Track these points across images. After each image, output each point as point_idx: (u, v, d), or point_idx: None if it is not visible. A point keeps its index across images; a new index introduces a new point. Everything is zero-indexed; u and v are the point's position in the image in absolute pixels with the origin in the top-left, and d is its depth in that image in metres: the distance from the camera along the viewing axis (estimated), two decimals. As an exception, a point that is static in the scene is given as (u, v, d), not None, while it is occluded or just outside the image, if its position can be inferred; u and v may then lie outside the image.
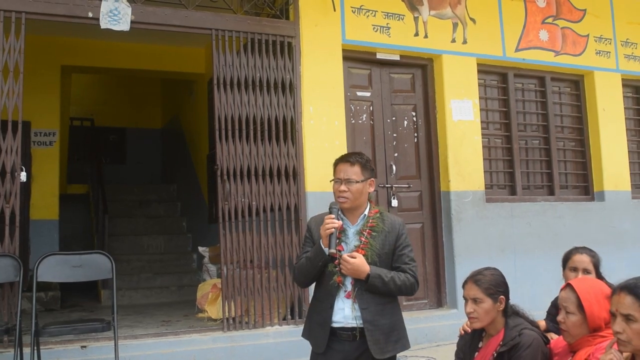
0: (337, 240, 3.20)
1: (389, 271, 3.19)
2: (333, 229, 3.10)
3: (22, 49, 5.34)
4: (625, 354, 2.42)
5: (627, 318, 2.35)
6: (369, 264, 3.15)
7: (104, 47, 8.98)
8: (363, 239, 3.20)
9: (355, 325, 3.16)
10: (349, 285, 3.19)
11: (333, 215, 3.16)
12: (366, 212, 3.29)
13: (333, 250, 3.10)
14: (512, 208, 7.36)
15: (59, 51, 9.17)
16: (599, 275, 3.66)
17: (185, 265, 10.05)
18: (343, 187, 3.22)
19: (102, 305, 8.61)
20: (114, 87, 13.64)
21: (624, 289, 2.40)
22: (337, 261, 3.18)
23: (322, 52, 6.51)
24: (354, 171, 3.24)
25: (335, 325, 3.19)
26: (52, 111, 9.36)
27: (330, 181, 3.33)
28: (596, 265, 3.76)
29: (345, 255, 3.13)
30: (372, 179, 3.32)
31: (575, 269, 3.78)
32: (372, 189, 3.32)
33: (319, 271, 3.26)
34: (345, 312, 3.18)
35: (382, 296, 3.19)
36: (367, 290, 3.14)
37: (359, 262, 3.10)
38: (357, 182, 3.22)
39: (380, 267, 3.16)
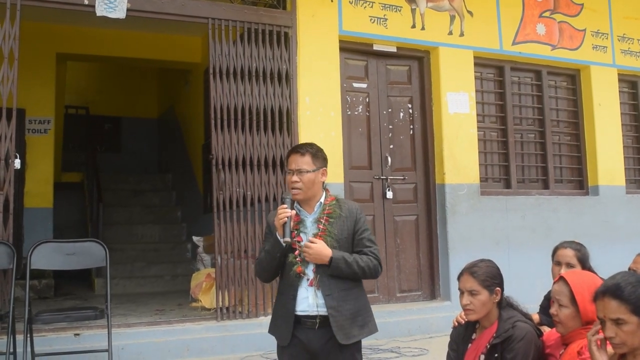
0: (296, 231, 3.20)
1: (350, 254, 3.18)
2: (286, 218, 3.09)
3: (17, 35, 5.31)
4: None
5: (617, 322, 2.35)
6: None
7: (99, 35, 8.92)
8: (321, 227, 3.20)
9: (318, 313, 3.14)
10: (310, 273, 3.17)
11: (285, 205, 3.15)
12: (322, 200, 3.29)
13: (288, 239, 3.09)
14: (506, 201, 7.37)
15: (55, 39, 9.10)
16: (587, 270, 3.66)
17: (180, 254, 10.04)
18: (295, 178, 3.22)
19: (96, 294, 8.61)
20: (110, 75, 13.57)
21: (607, 294, 2.39)
22: (297, 251, 3.18)
23: (319, 43, 6.50)
24: (304, 161, 3.23)
25: (299, 313, 3.17)
26: (47, 99, 9.30)
27: (284, 173, 3.34)
28: (581, 260, 3.76)
29: (306, 242, 3.13)
30: (324, 168, 3.31)
31: (559, 263, 3.80)
32: (324, 178, 3.32)
33: (278, 263, 3.24)
34: (309, 301, 3.16)
35: (345, 281, 3.18)
36: (331, 274, 3.12)
37: (320, 247, 3.10)
38: (309, 172, 3.22)
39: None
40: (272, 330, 3.34)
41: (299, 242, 3.20)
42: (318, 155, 3.29)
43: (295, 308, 3.17)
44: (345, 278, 3.17)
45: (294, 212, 3.18)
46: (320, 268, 3.16)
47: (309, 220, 3.27)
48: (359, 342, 3.26)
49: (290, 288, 3.21)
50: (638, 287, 2.36)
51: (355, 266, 3.15)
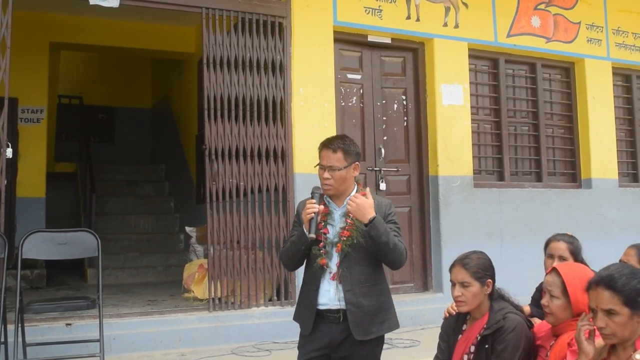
0: (323, 222, 3.20)
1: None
2: (313, 214, 3.09)
3: (9, 23, 5.27)
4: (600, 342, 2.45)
5: (608, 312, 2.36)
6: (354, 245, 3.14)
7: (93, 24, 8.87)
8: (349, 221, 3.18)
9: (339, 308, 3.16)
10: (333, 267, 3.18)
11: (314, 200, 3.15)
12: (352, 195, 3.27)
13: (313, 235, 3.10)
14: (499, 193, 7.38)
15: (48, 28, 9.03)
16: (580, 262, 3.67)
17: (173, 245, 10.04)
18: (326, 175, 3.19)
19: (88, 284, 8.60)
20: (104, 65, 13.51)
21: (600, 284, 2.40)
22: (321, 244, 3.18)
23: (313, 34, 6.48)
24: (336, 158, 3.19)
25: (321, 307, 3.19)
26: (40, 88, 9.24)
27: (315, 166, 3.30)
28: (574, 253, 3.76)
29: (353, 195, 3.11)
30: (357, 163, 3.28)
31: (551, 256, 3.80)
32: (356, 173, 3.29)
33: (302, 255, 3.26)
34: (330, 294, 3.18)
35: (368, 277, 3.18)
36: (368, 233, 3.06)
37: (367, 203, 3.05)
38: (340, 169, 3.18)
39: (366, 248, 3.14)
40: (297, 318, 3.36)
41: (325, 234, 3.20)
42: (350, 150, 3.24)
43: (317, 300, 3.19)
44: (376, 247, 3.10)
45: (321, 207, 3.17)
46: (343, 262, 3.16)
47: (338, 213, 3.26)
48: (381, 337, 3.26)
49: (314, 279, 3.22)
50: (631, 279, 2.37)
51: (390, 237, 3.10)
